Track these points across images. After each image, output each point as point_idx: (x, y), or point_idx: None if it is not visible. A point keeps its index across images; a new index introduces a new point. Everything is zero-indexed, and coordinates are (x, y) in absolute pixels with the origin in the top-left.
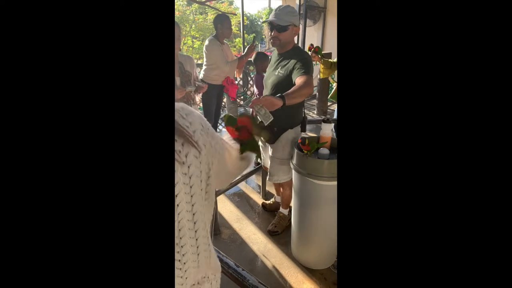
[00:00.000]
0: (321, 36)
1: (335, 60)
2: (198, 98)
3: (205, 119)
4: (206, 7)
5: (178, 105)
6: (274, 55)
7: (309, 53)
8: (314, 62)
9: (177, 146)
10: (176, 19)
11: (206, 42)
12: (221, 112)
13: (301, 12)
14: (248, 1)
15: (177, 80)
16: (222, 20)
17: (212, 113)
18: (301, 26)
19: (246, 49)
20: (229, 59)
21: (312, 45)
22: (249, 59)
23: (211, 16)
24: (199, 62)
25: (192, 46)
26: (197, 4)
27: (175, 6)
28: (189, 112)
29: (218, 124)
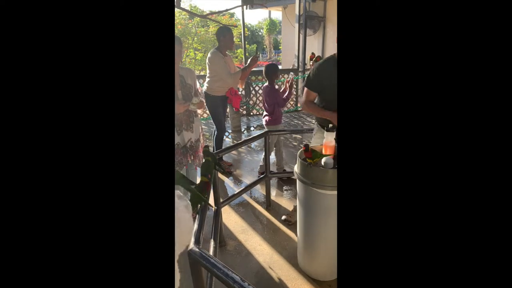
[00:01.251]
0: (322, 44)
1: None
2: (200, 110)
3: None
4: (208, 20)
5: None
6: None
7: (310, 62)
8: None
9: None
10: (178, 33)
11: (209, 55)
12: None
13: (301, 22)
14: (248, 13)
15: (179, 94)
16: (225, 32)
17: (222, 122)
18: (301, 36)
19: (250, 60)
20: (232, 71)
21: (313, 53)
22: (256, 69)
23: (212, 28)
24: (202, 73)
25: (195, 58)
26: (199, 18)
27: (178, 20)
28: None
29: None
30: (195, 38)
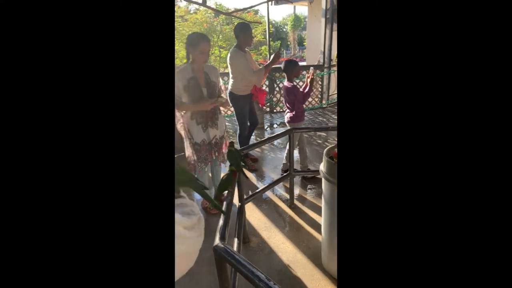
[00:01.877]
0: None
1: None
2: (223, 108)
3: None
4: (232, 17)
5: None
6: None
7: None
8: None
9: None
10: (204, 31)
11: (229, 54)
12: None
13: (328, 16)
14: (273, 9)
15: (204, 91)
16: (243, 29)
17: (245, 124)
18: (327, 31)
19: (273, 56)
20: (253, 67)
21: None
22: (277, 65)
23: None
24: (226, 71)
25: (219, 55)
26: (224, 15)
27: (203, 19)
28: None
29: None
30: (220, 36)
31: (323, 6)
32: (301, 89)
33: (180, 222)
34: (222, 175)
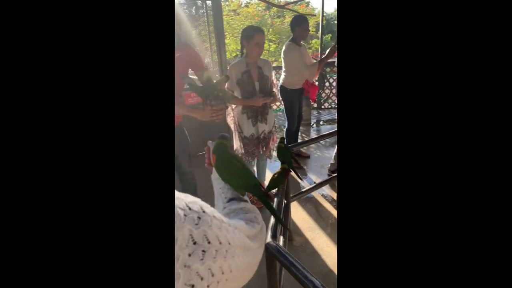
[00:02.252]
0: None
1: None
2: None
3: (199, 204)
4: (284, 10)
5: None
6: None
7: None
8: None
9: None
10: (255, 24)
11: (284, 47)
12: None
13: None
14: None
15: (256, 85)
16: (300, 22)
17: (295, 119)
18: None
19: (328, 50)
20: (307, 62)
21: None
22: (331, 60)
23: (288, 19)
24: (274, 65)
25: (268, 49)
26: (275, 8)
27: (255, 12)
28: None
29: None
30: (270, 29)
31: None
32: None
33: (245, 230)
34: (266, 171)
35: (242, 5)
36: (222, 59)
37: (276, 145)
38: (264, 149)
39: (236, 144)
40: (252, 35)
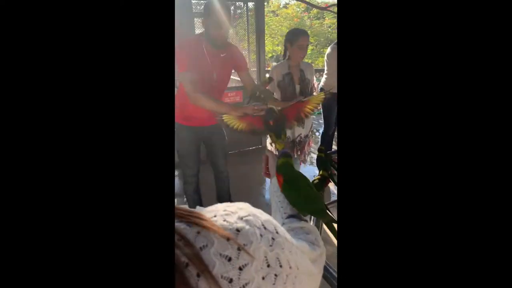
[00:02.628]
0: None
1: None
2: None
3: (273, 224)
4: (324, 12)
5: (237, 206)
6: None
7: None
8: None
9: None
10: (294, 26)
11: (329, 50)
12: None
13: None
14: None
15: (297, 88)
16: None
17: (332, 123)
18: None
19: None
20: None
21: None
22: None
23: (328, 20)
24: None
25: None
26: (315, 10)
27: (294, 13)
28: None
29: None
30: (309, 31)
31: None
32: None
33: (309, 253)
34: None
35: (281, 6)
36: (261, 60)
37: (311, 149)
38: (299, 152)
39: (269, 146)
40: (297, 38)
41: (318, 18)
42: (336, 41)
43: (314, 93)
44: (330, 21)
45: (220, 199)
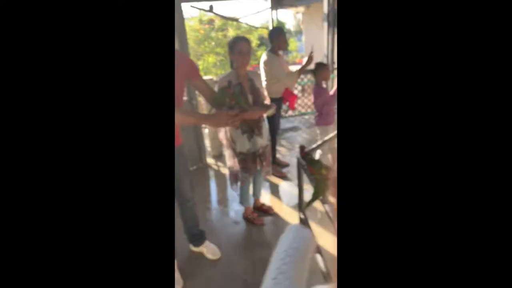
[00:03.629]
0: None
1: None
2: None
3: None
4: (229, 25)
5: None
6: None
7: None
8: None
9: None
10: (201, 37)
11: (264, 57)
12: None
13: (329, 20)
14: (273, 14)
15: (249, 98)
16: (277, 33)
17: (278, 125)
18: (330, 37)
19: (307, 58)
20: (286, 71)
21: None
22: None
23: (232, 32)
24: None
25: (215, 63)
26: (219, 22)
27: (198, 26)
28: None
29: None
30: (213, 43)
31: (325, 10)
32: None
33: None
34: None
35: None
36: None
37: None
38: (264, 164)
39: (230, 161)
40: (235, 45)
41: (222, 30)
42: (269, 48)
43: (266, 102)
44: (233, 33)
45: (192, 237)
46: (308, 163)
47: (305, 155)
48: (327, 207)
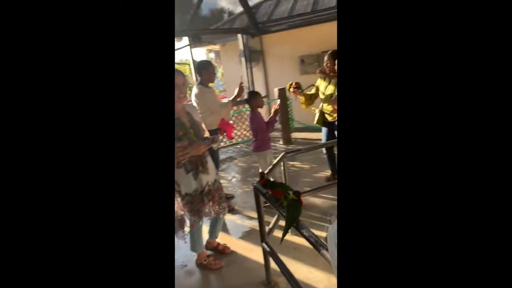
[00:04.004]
0: (264, 75)
1: (312, 91)
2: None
3: None
4: None
5: None
6: None
7: (291, 90)
8: (295, 97)
9: None
10: None
11: (195, 91)
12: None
13: (246, 55)
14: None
15: (191, 132)
16: (206, 66)
17: (217, 155)
18: (248, 70)
19: (237, 89)
20: (219, 102)
21: (296, 83)
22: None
23: None
24: None
25: None
26: None
27: None
28: None
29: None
30: None
31: (241, 47)
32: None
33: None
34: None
35: None
36: None
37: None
38: (211, 203)
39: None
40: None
41: None
42: (198, 81)
43: (205, 134)
44: None
45: None
46: (271, 187)
47: (265, 181)
48: (305, 232)
